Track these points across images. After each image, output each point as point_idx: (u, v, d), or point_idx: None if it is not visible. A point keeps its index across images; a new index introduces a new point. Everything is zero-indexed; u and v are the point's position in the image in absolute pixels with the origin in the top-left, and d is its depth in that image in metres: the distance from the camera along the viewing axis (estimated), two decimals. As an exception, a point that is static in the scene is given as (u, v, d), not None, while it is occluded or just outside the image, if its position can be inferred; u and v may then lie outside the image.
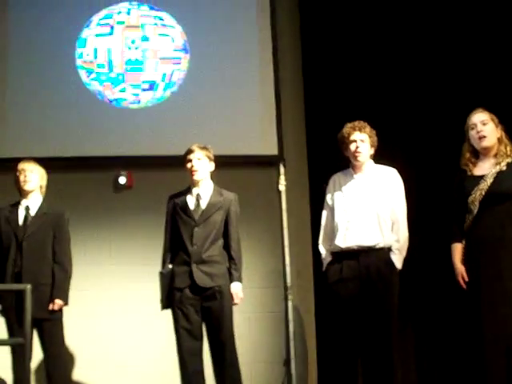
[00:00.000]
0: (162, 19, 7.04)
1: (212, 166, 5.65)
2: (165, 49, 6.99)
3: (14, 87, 6.90)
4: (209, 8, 7.12)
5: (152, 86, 6.94)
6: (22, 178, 5.73)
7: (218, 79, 7.02)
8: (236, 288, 5.50)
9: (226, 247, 5.54)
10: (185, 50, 7.03)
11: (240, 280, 5.52)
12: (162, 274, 5.49)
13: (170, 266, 5.49)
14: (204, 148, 5.61)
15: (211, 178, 5.67)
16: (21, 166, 5.78)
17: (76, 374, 6.40)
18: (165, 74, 6.96)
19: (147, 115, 6.94)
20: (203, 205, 5.55)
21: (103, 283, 6.68)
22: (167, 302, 5.45)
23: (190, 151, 5.58)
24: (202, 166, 5.57)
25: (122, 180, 6.86)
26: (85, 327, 6.50)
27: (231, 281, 5.49)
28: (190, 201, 5.57)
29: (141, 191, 6.86)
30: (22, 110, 6.87)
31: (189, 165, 5.56)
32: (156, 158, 6.84)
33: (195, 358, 5.40)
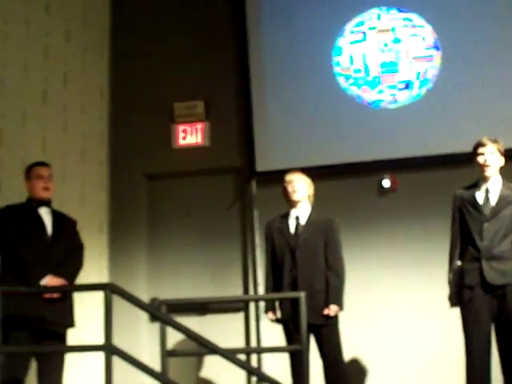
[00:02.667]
0: (411, 20, 7.01)
1: (502, 160, 5.43)
2: (417, 48, 6.95)
3: (274, 101, 7.19)
4: (456, 4, 6.98)
5: (408, 85, 6.92)
6: (290, 188, 5.88)
7: (473, 73, 6.83)
8: None
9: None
10: (436, 47, 6.94)
11: None
12: (451, 270, 5.35)
13: (459, 263, 5.35)
14: (495, 141, 5.39)
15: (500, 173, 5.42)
16: (288, 177, 5.93)
17: (354, 379, 6.46)
18: (419, 73, 6.92)
19: (405, 115, 6.91)
20: (493, 199, 5.34)
21: (375, 288, 6.70)
22: (456, 298, 5.32)
23: (481, 144, 5.37)
24: (494, 160, 5.36)
25: (386, 183, 6.85)
26: (360, 332, 6.56)
27: None
28: (479, 196, 5.38)
29: (405, 194, 6.80)
30: (283, 122, 7.14)
31: (481, 159, 5.35)
32: (419, 159, 6.78)
33: (484, 360, 5.18)
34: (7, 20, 6.78)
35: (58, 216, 5.60)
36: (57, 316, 5.31)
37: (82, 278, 5.68)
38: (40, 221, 5.48)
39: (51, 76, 7.11)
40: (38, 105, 6.95)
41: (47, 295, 5.21)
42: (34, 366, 5.40)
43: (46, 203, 5.57)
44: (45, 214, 5.53)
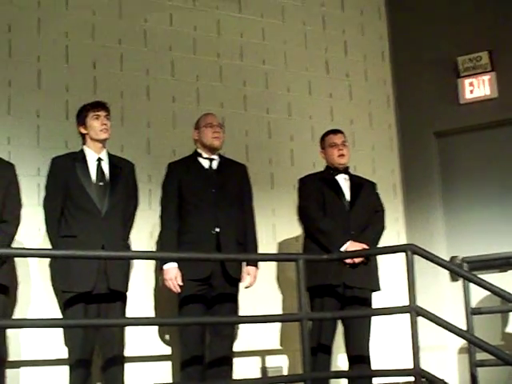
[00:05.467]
0: None
1: None
2: None
3: None
4: None
5: None
6: None
7: None
8: None
9: None
10: None
11: None
12: None
13: None
14: None
15: None
16: None
17: None
18: None
19: None
20: None
21: None
22: None
23: None
24: None
25: None
26: None
27: None
28: None
29: None
30: None
31: None
32: None
33: None
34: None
35: (356, 181, 5.69)
36: (362, 281, 5.41)
37: (380, 243, 5.71)
38: (338, 188, 5.59)
39: (331, 45, 7.23)
40: (321, 75, 7.11)
41: (349, 261, 5.32)
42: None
43: (344, 170, 5.67)
44: (342, 180, 5.64)
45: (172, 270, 5.18)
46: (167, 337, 5.93)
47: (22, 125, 5.75)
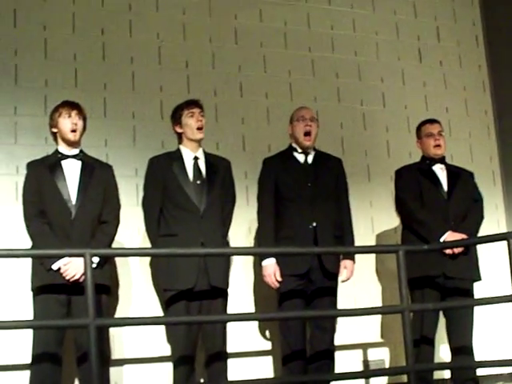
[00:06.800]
0: None
1: None
2: None
3: None
4: None
5: None
6: None
7: None
8: None
9: None
10: None
11: None
12: None
13: None
14: None
15: None
16: None
17: None
18: None
19: None
20: None
21: None
22: None
23: None
24: None
25: None
26: None
27: None
28: None
29: None
30: None
31: None
32: None
33: None
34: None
35: (453, 171, 5.61)
36: (463, 271, 5.33)
37: (479, 232, 5.59)
38: (435, 178, 5.52)
39: (423, 33, 7.15)
40: (414, 63, 7.04)
41: (448, 251, 5.24)
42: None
43: (440, 160, 5.59)
44: (439, 170, 5.57)
45: (271, 266, 5.18)
46: (267, 332, 5.95)
47: (119, 126, 5.88)
